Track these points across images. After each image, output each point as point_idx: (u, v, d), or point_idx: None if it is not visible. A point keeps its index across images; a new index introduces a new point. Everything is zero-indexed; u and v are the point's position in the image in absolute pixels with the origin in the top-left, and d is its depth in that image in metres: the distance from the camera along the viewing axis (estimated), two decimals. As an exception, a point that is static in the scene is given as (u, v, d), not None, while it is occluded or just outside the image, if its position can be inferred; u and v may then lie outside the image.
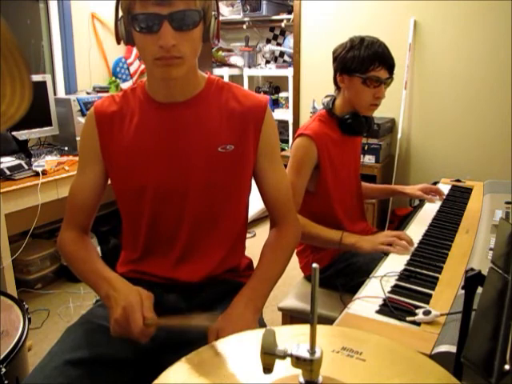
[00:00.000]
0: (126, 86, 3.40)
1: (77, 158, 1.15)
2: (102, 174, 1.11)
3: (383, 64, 1.46)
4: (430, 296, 1.02)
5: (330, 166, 1.54)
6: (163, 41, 0.91)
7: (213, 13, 1.00)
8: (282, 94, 4.05)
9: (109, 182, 1.14)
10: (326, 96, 1.65)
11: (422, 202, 1.79)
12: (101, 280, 0.98)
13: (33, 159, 2.41)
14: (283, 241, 1.15)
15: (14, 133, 2.45)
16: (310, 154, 1.49)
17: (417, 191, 1.80)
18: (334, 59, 1.55)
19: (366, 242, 1.41)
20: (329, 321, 1.37)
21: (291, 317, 1.60)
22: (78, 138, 2.60)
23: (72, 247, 1.09)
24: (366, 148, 3.08)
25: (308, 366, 0.50)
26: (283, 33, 4.05)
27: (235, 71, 4.03)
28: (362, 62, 1.45)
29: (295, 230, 1.19)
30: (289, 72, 3.76)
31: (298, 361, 0.50)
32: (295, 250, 1.52)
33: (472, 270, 0.70)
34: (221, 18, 1.03)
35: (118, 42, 1.02)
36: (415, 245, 1.32)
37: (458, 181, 2.05)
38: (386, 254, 1.30)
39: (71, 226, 1.12)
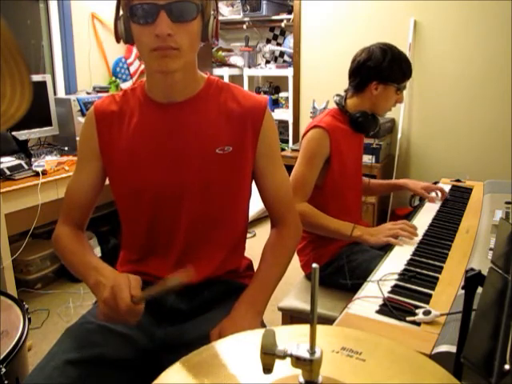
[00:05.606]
0: (125, 86, 3.39)
1: (77, 158, 1.15)
2: (100, 173, 1.11)
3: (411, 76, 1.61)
4: (430, 296, 1.02)
5: (339, 160, 1.57)
6: (159, 30, 0.92)
7: (212, 12, 1.00)
8: (282, 94, 4.05)
9: (107, 182, 1.14)
10: (337, 95, 1.68)
11: (421, 202, 1.79)
12: (89, 270, 0.97)
13: (33, 159, 2.41)
14: (283, 242, 1.15)
15: (14, 133, 2.45)
16: (324, 145, 1.52)
17: (419, 188, 1.82)
18: (371, 67, 1.55)
19: (369, 235, 1.45)
20: (329, 321, 1.37)
21: (291, 317, 1.60)
22: (78, 138, 2.60)
23: (65, 241, 1.09)
24: (371, 146, 3.07)
25: (308, 366, 0.50)
26: (283, 33, 4.05)
27: (235, 71, 4.02)
28: (404, 75, 1.57)
29: (295, 230, 1.19)
30: (289, 72, 3.76)
31: (297, 361, 0.50)
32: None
33: (472, 269, 0.70)
34: (221, 17, 1.04)
35: (118, 41, 1.02)
36: (415, 245, 1.33)
37: (458, 181, 2.05)
38: (387, 252, 1.31)
39: (67, 222, 1.13)
